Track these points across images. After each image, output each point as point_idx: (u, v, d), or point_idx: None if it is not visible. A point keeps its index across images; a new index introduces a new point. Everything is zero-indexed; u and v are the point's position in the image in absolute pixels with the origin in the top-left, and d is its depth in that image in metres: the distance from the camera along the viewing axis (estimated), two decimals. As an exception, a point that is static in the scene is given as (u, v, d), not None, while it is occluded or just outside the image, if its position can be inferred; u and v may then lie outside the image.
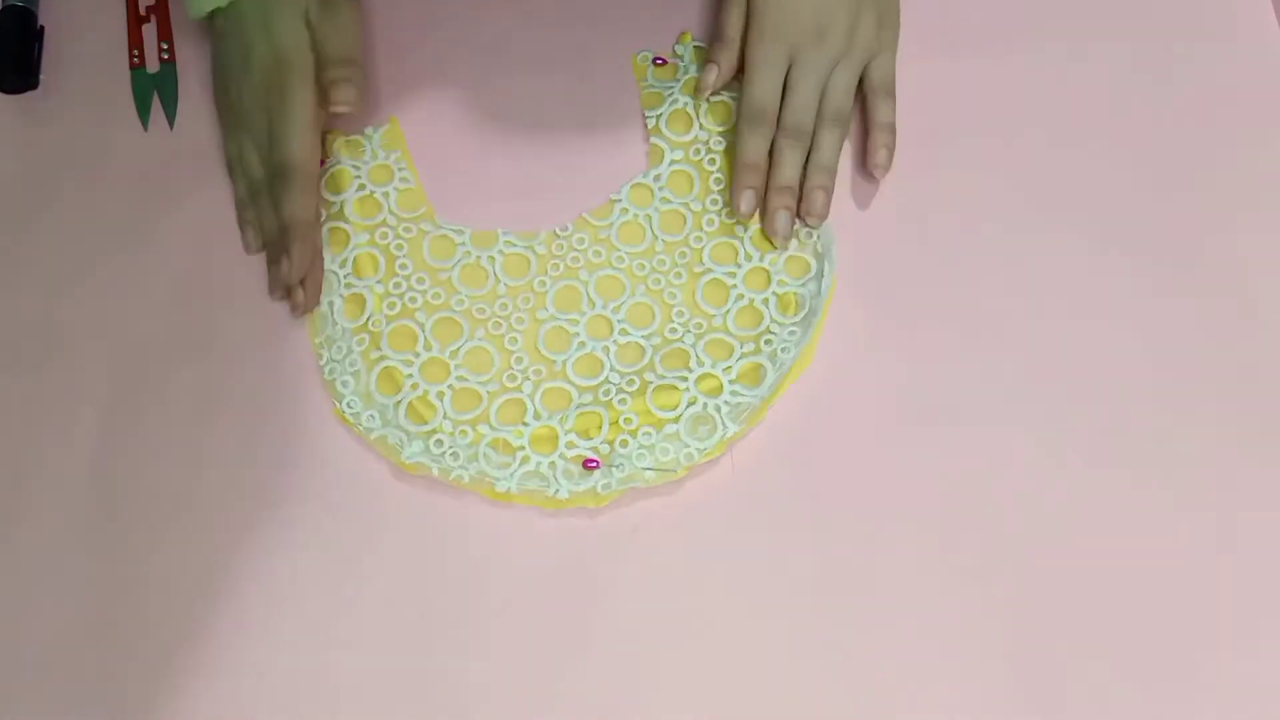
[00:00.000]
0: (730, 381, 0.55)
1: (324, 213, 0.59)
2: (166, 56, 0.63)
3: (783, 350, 0.56)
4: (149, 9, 0.65)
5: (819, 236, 0.58)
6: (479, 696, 0.51)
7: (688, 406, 0.55)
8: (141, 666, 0.52)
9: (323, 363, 0.57)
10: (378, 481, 0.55)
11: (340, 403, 0.56)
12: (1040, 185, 0.59)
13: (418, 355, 0.56)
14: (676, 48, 0.63)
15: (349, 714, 0.51)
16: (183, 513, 0.54)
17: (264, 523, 0.54)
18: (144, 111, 0.62)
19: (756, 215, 0.58)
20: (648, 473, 0.53)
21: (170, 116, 0.62)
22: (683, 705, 0.51)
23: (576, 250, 0.59)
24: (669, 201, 0.59)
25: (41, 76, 0.64)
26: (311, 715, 0.51)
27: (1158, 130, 0.60)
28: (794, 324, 0.56)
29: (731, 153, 0.59)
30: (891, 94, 0.60)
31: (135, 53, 0.63)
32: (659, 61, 0.63)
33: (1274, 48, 0.62)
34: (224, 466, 0.55)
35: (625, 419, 0.55)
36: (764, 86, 0.58)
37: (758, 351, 0.56)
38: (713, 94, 0.61)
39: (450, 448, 0.54)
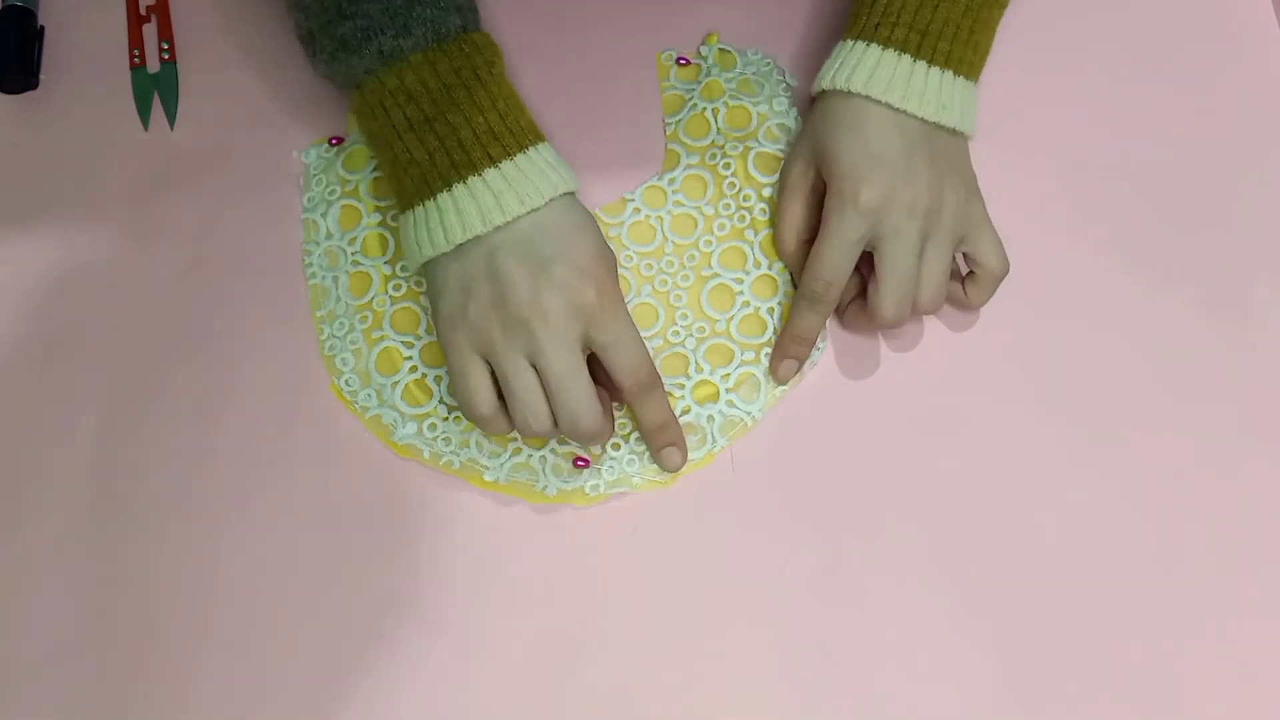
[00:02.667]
0: (727, 390, 0.55)
1: (337, 190, 0.59)
2: (167, 56, 0.63)
3: None
4: (149, 9, 0.64)
5: None
6: (472, 690, 0.51)
7: (681, 415, 0.55)
8: (141, 666, 0.52)
9: (323, 338, 0.57)
10: (371, 466, 0.55)
11: (338, 379, 0.56)
12: (1040, 189, 0.60)
13: (419, 338, 0.57)
14: (702, 49, 0.63)
15: (347, 705, 0.51)
16: (182, 509, 0.54)
17: (261, 512, 0.54)
18: (144, 111, 0.62)
19: (761, 226, 0.58)
20: (636, 479, 0.54)
21: (170, 116, 0.62)
22: (676, 704, 0.51)
23: (585, 245, 0.59)
24: (682, 205, 0.59)
25: (41, 76, 0.63)
26: (310, 707, 0.51)
27: (1158, 132, 0.61)
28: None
29: (746, 159, 0.59)
30: (996, 280, 0.55)
31: (135, 52, 0.63)
32: (682, 61, 0.62)
33: (1274, 48, 0.63)
34: (223, 464, 0.55)
35: (620, 422, 0.55)
36: (835, 261, 0.53)
37: (757, 361, 0.56)
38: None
39: (443, 433, 0.55)
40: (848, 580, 0.53)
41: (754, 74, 0.62)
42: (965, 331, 0.57)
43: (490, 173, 0.51)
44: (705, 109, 0.60)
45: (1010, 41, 0.62)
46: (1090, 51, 0.63)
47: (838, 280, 0.54)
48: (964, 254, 0.55)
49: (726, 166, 0.59)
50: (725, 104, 0.60)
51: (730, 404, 0.55)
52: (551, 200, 0.51)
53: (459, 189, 0.51)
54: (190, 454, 0.55)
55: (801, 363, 0.56)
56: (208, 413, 0.56)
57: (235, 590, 0.53)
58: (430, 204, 0.51)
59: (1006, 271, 0.55)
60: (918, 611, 0.52)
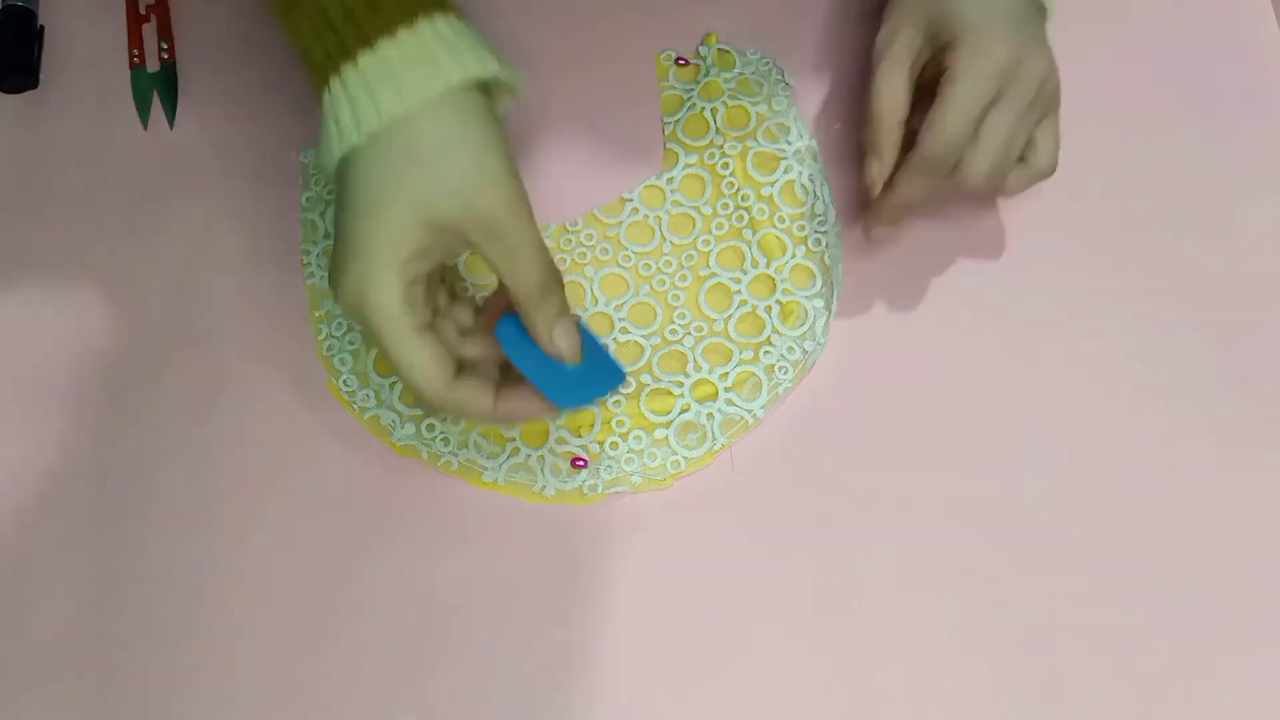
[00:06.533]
0: (726, 389, 0.55)
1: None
2: (166, 56, 0.63)
3: (780, 370, 0.56)
4: (149, 8, 0.65)
5: (827, 245, 0.58)
6: (471, 690, 0.51)
7: (681, 413, 0.55)
8: (141, 666, 0.52)
9: (322, 338, 0.57)
10: (370, 467, 0.55)
11: (337, 379, 0.56)
12: (1038, 190, 0.59)
13: (418, 338, 0.57)
14: (701, 49, 0.63)
15: (346, 704, 0.51)
16: (181, 509, 0.54)
17: (259, 512, 0.54)
18: (144, 111, 0.62)
19: (760, 225, 0.58)
20: (635, 478, 0.54)
21: (170, 116, 0.62)
22: (675, 704, 0.51)
23: (584, 246, 0.59)
24: (680, 204, 0.59)
25: (41, 76, 0.63)
26: (309, 706, 0.51)
27: (1158, 132, 0.61)
28: (793, 339, 0.56)
29: (745, 158, 0.59)
30: (1041, 177, 0.54)
31: (135, 52, 0.63)
32: (681, 62, 0.62)
33: (1274, 48, 0.62)
34: (222, 464, 0.55)
35: (618, 420, 0.55)
36: (962, 122, 0.50)
37: (755, 360, 0.56)
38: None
39: (441, 433, 0.55)
40: (848, 580, 0.53)
41: (753, 74, 0.62)
42: (966, 333, 0.57)
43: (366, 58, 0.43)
44: (704, 108, 0.60)
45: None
46: (1089, 51, 0.62)
47: (959, 146, 0.50)
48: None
49: (725, 166, 0.59)
50: (724, 103, 0.60)
51: (730, 402, 0.55)
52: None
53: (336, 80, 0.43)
54: (189, 454, 0.55)
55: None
56: (206, 412, 0.56)
57: (234, 590, 0.53)
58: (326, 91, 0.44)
59: (1053, 171, 0.53)
60: (918, 612, 0.52)
